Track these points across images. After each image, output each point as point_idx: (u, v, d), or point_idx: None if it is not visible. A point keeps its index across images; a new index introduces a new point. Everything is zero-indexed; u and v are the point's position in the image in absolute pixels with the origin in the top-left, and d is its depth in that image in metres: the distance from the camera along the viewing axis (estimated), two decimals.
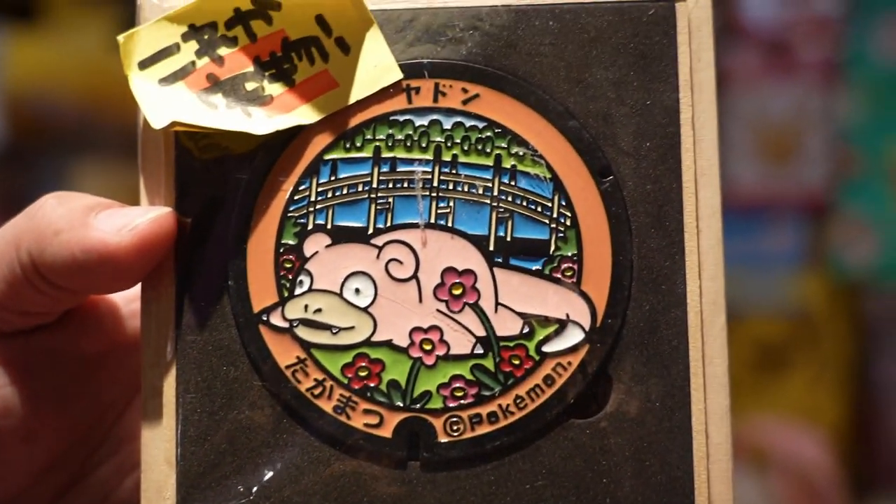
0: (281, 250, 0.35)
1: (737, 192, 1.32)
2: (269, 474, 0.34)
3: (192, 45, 0.34)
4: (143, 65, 0.34)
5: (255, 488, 0.34)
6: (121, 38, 0.34)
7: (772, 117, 1.31)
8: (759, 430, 1.23)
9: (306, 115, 0.34)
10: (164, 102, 0.34)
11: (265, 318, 0.34)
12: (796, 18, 1.29)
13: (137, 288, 0.35)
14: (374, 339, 0.34)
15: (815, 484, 1.17)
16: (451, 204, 0.35)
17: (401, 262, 0.34)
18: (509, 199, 0.35)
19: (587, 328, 0.34)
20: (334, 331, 0.34)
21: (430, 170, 0.35)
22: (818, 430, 1.23)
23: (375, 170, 0.35)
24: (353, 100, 0.35)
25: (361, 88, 0.35)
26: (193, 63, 0.34)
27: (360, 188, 0.35)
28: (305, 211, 0.35)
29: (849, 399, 1.28)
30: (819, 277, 1.28)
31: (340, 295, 0.34)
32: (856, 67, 1.19)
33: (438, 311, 0.34)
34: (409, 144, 0.35)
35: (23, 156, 1.39)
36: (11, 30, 1.41)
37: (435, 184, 0.35)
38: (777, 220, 1.32)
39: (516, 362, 0.34)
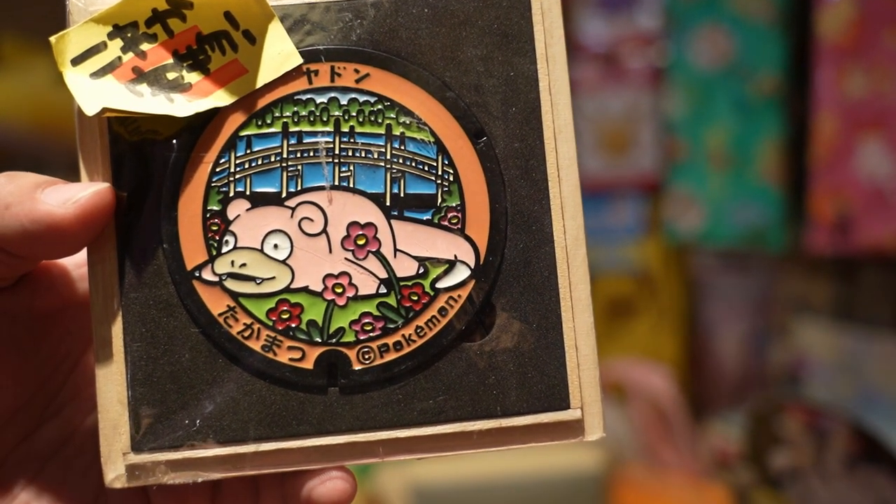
0: (207, 215, 0.33)
1: (585, 178, 1.34)
2: (210, 407, 0.33)
3: (118, 43, 0.33)
4: (76, 62, 0.32)
5: (198, 420, 0.33)
6: (53, 39, 0.32)
7: (609, 116, 1.32)
8: (616, 368, 1.25)
9: (221, 98, 0.33)
10: (95, 93, 0.32)
11: (197, 274, 0.33)
12: (624, 35, 1.31)
13: (84, 253, 0.33)
14: (293, 286, 0.33)
15: (664, 409, 1.19)
16: (352, 168, 0.34)
17: (311, 220, 0.34)
18: (400, 161, 0.34)
19: (472, 266, 0.34)
20: (258, 281, 0.33)
21: (331, 140, 0.34)
22: (662, 366, 1.25)
23: (285, 142, 0.34)
24: (260, 83, 0.34)
25: (268, 73, 0.34)
26: (119, 58, 0.33)
27: (272, 159, 0.34)
28: (226, 181, 0.34)
29: (683, 338, 1.31)
30: (655, 243, 1.30)
31: (261, 250, 0.33)
32: (676, 72, 1.21)
33: (346, 259, 0.34)
34: (312, 119, 0.34)
35: None
36: None
37: (336, 151, 0.34)
38: (619, 200, 1.34)
39: (415, 298, 0.34)
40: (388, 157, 0.34)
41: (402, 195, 0.34)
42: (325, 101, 0.34)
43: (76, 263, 0.36)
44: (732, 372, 1.28)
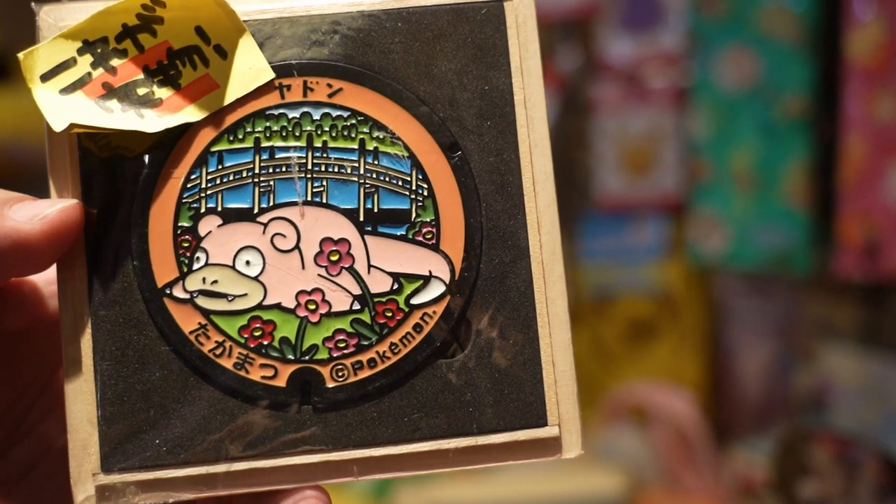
0: (178, 232, 0.33)
1: (607, 198, 1.33)
2: (181, 426, 0.33)
3: (88, 58, 0.33)
4: (45, 77, 0.33)
5: (169, 440, 0.32)
6: (21, 55, 0.32)
7: (632, 136, 1.32)
8: (637, 391, 1.23)
9: (192, 114, 0.33)
10: (64, 109, 0.32)
11: (168, 292, 0.33)
12: (648, 54, 1.31)
13: (54, 270, 0.33)
14: (266, 303, 0.33)
15: (687, 433, 1.17)
16: (325, 183, 0.34)
17: (284, 236, 0.33)
18: (374, 175, 0.34)
19: (447, 281, 0.33)
20: (230, 298, 0.33)
21: (304, 155, 0.34)
22: (684, 389, 1.24)
23: (257, 158, 0.34)
24: (232, 98, 0.33)
25: (239, 88, 0.33)
26: (89, 74, 0.33)
27: (244, 174, 0.34)
28: (198, 197, 0.33)
29: (705, 361, 1.29)
30: (678, 265, 1.29)
31: (233, 267, 0.33)
32: (701, 92, 1.20)
33: (319, 275, 0.33)
34: (284, 134, 0.34)
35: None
36: None
37: (309, 167, 0.34)
38: (641, 220, 1.33)
39: (389, 314, 0.33)
40: (362, 171, 0.34)
41: (375, 210, 0.33)
42: (298, 115, 0.34)
43: (47, 281, 0.36)
44: (756, 396, 1.26)
